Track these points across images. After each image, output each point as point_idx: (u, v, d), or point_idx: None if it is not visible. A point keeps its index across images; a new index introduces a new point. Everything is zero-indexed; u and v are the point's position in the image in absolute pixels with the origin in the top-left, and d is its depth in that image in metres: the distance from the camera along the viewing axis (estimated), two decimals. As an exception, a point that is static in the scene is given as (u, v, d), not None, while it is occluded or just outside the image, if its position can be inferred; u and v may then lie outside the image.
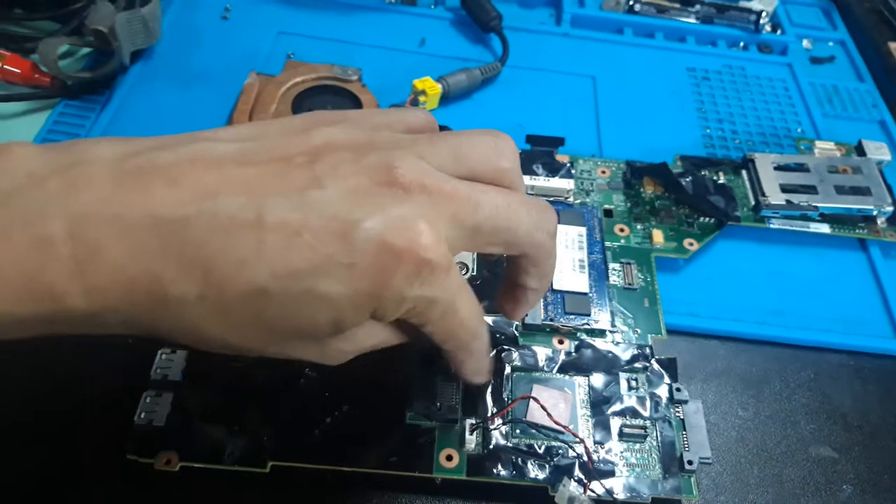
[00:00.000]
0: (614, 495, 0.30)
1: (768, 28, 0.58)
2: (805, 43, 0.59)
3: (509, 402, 0.33)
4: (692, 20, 0.58)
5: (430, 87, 0.47)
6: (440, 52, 0.53)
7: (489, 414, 0.32)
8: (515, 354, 0.34)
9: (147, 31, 0.46)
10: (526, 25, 0.56)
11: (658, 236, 0.40)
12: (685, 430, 0.33)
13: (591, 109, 0.50)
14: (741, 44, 0.57)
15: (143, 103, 0.46)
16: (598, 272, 0.38)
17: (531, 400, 0.32)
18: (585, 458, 0.31)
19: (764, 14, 0.56)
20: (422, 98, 0.47)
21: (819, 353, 0.39)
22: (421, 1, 0.57)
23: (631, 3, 0.58)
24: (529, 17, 0.58)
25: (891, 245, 0.43)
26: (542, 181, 0.42)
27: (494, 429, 0.32)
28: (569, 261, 0.38)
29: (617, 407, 0.33)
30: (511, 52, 0.52)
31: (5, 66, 0.43)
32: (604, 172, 0.43)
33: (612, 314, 0.36)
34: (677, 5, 0.58)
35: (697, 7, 0.58)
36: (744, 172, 0.44)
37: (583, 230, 0.40)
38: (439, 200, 0.22)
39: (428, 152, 0.23)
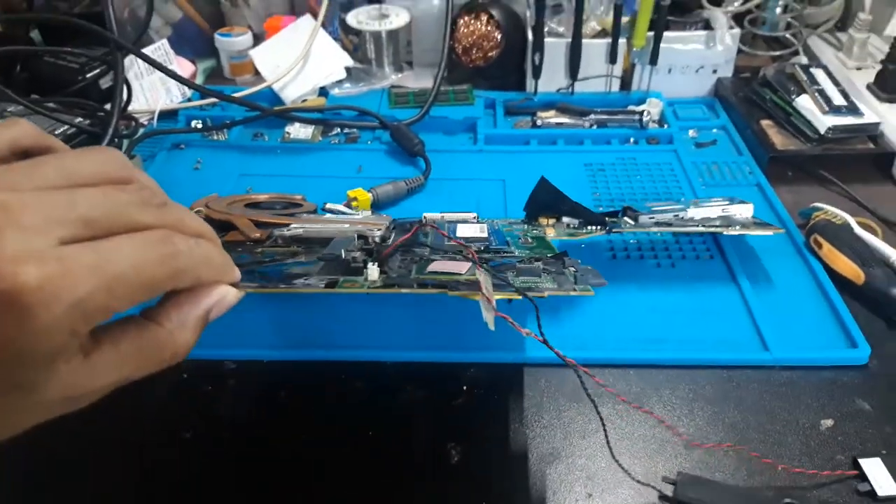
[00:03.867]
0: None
1: (654, 124, 0.68)
2: (691, 132, 0.68)
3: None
4: (587, 126, 0.68)
5: (361, 195, 0.57)
6: (374, 174, 0.63)
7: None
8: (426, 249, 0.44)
9: (129, 182, 0.57)
10: (447, 147, 0.67)
11: (550, 231, 0.50)
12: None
13: (500, 205, 0.59)
14: (631, 139, 0.67)
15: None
16: (499, 237, 0.48)
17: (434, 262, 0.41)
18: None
19: (646, 113, 0.67)
20: (354, 203, 0.57)
21: (694, 370, 0.44)
22: (360, 139, 0.69)
23: (535, 120, 0.69)
24: (451, 141, 0.69)
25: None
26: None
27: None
28: (474, 229, 0.49)
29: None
30: (433, 168, 0.62)
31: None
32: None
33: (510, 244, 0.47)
34: (577, 118, 0.69)
35: (591, 116, 0.68)
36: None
37: (485, 225, 0.50)
38: (25, 212, 0.20)
39: (26, 179, 0.22)
